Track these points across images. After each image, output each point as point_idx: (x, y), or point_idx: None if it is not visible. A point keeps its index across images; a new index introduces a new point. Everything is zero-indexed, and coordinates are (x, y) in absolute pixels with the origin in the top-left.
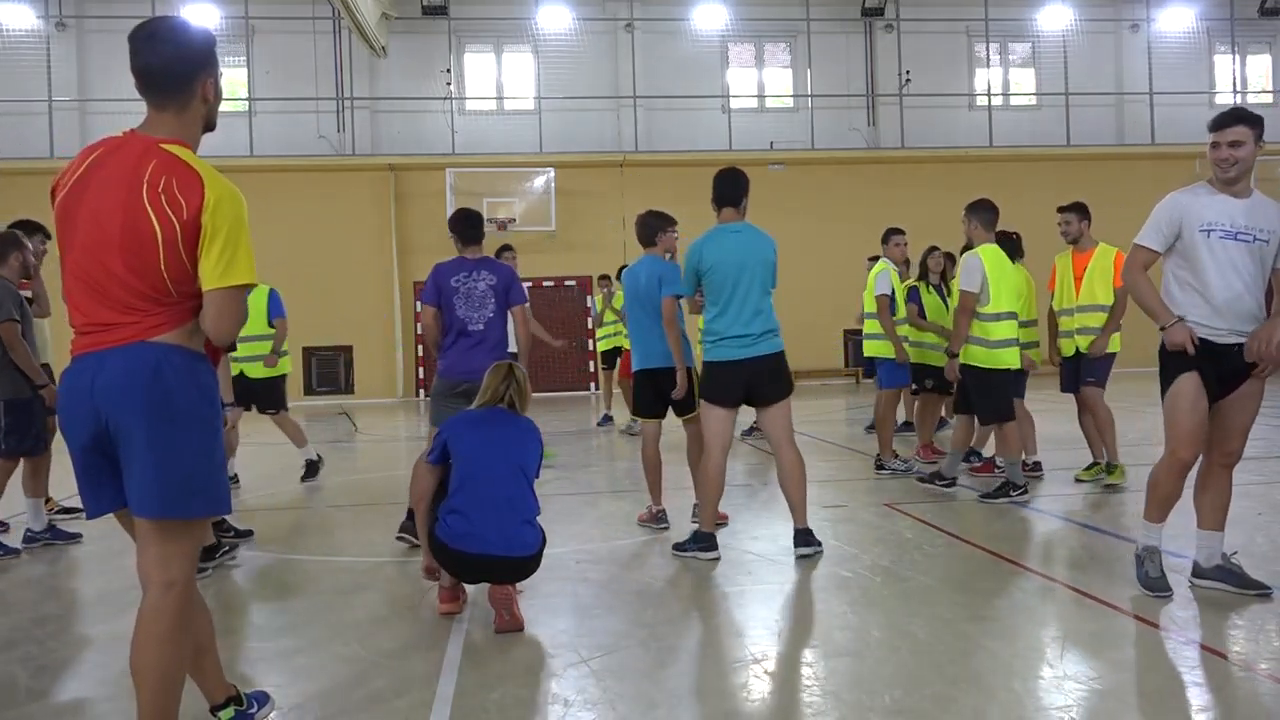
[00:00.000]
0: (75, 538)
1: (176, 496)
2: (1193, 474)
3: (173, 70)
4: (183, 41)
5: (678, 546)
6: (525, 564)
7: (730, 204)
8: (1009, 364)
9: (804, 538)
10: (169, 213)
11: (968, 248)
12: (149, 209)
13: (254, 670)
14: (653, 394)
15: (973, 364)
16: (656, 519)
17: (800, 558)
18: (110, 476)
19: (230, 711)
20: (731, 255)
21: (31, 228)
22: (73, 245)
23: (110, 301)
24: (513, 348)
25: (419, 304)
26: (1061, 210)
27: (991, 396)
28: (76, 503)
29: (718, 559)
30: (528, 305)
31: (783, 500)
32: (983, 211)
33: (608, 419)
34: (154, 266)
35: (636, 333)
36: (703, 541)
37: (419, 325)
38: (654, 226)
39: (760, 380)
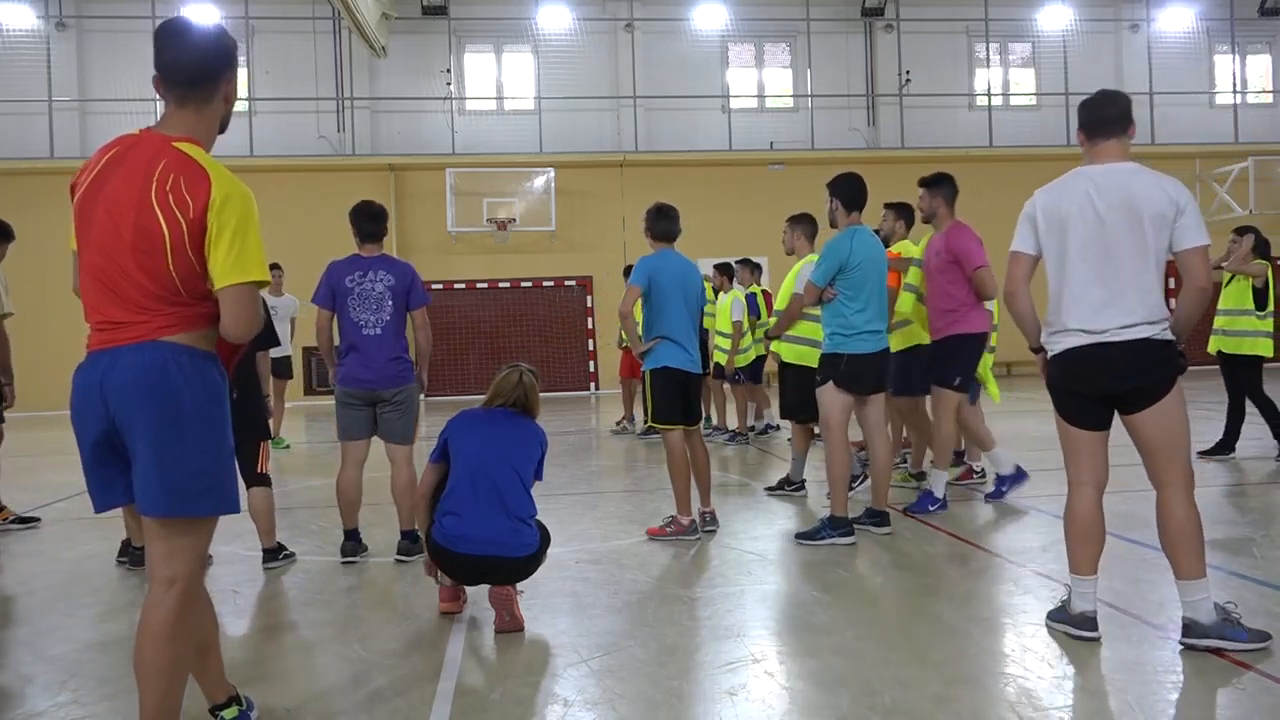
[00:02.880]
0: None
1: (182, 495)
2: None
3: (200, 67)
4: (211, 40)
5: (805, 536)
6: (522, 565)
7: (859, 208)
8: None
9: (883, 518)
10: (175, 212)
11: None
12: (157, 209)
13: (255, 670)
14: (685, 399)
15: (805, 364)
16: (689, 530)
17: (884, 535)
18: (120, 472)
19: (234, 711)
20: (875, 254)
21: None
22: (89, 243)
23: (123, 300)
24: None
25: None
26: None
27: (796, 393)
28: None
29: (854, 543)
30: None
31: (780, 502)
32: (806, 224)
33: (770, 428)
34: (163, 267)
35: (685, 332)
36: (841, 527)
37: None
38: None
39: (883, 371)
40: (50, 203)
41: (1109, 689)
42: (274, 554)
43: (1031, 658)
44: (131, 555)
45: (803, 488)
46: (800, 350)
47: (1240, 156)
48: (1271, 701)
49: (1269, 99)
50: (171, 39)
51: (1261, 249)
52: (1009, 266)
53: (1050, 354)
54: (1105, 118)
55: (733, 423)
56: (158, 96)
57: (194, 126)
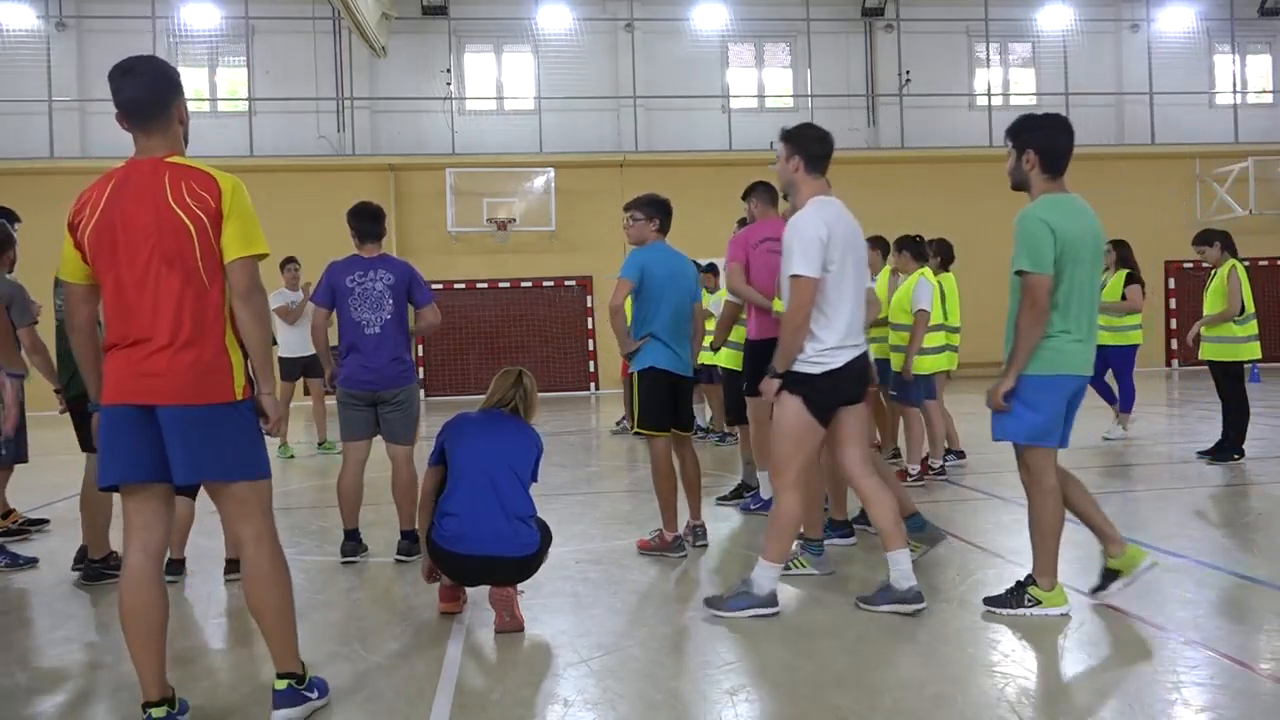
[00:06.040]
0: (32, 562)
1: (230, 462)
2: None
3: (152, 98)
4: (156, 71)
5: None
6: (523, 564)
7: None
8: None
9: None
10: (196, 210)
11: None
12: (178, 211)
13: (254, 669)
14: (673, 404)
15: (732, 368)
16: (673, 546)
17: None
18: (151, 446)
19: (163, 711)
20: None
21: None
22: (115, 263)
23: (156, 306)
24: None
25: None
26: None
27: (732, 397)
28: (36, 515)
29: (855, 543)
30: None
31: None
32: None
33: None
34: (192, 264)
35: (675, 332)
36: (841, 529)
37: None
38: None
39: (864, 374)
40: (50, 202)
41: (1109, 689)
42: (237, 565)
43: (1031, 657)
44: (87, 569)
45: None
46: (734, 354)
47: (1240, 156)
48: (1271, 701)
49: (1269, 99)
50: (122, 80)
51: (1224, 247)
52: (806, 291)
53: (828, 368)
54: (829, 153)
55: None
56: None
57: (169, 145)
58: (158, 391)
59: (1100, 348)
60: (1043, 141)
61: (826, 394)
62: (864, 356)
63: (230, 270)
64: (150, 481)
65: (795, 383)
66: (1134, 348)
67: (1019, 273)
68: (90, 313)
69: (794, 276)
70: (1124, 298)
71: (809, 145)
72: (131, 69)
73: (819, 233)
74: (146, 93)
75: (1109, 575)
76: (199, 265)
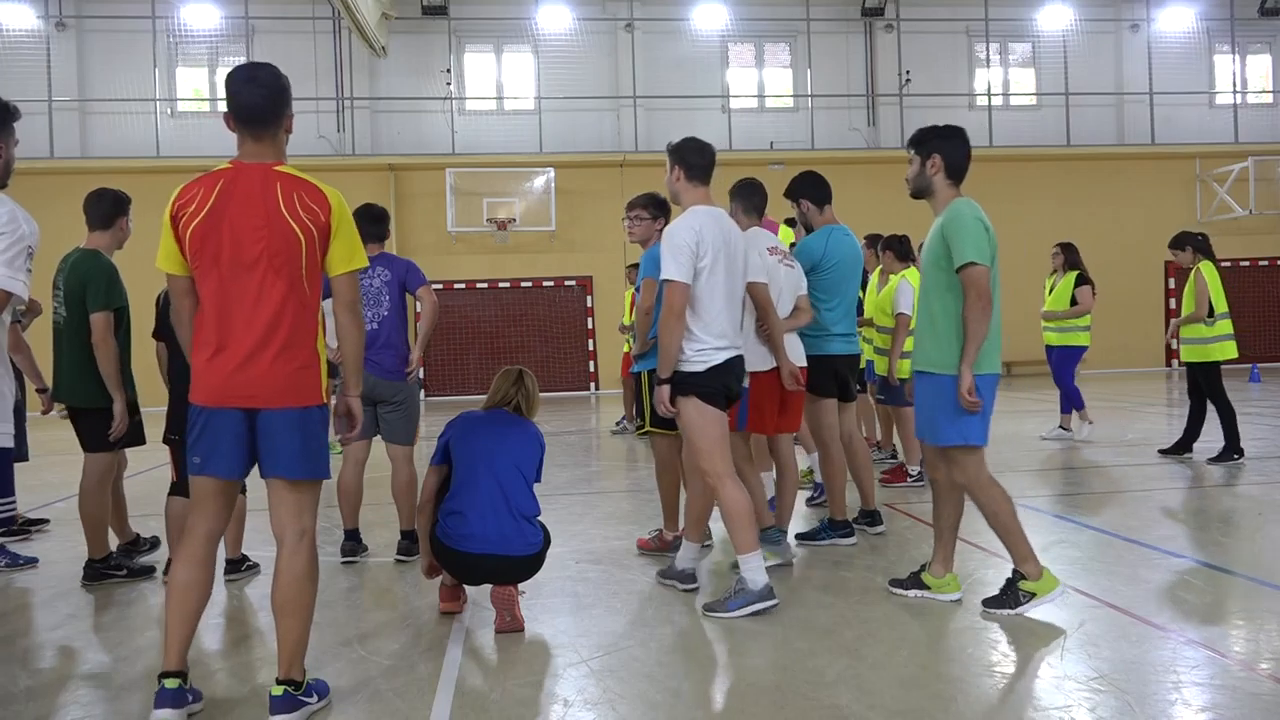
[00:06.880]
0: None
1: (314, 461)
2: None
3: (270, 107)
4: (274, 82)
5: (806, 536)
6: (528, 563)
7: (829, 201)
8: None
9: (875, 518)
10: (307, 222)
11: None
12: (290, 221)
13: (255, 669)
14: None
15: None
16: (674, 546)
17: (878, 534)
18: (250, 449)
19: (175, 683)
20: (850, 255)
21: None
22: (217, 264)
23: (257, 310)
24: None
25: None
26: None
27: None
28: (36, 515)
29: (855, 543)
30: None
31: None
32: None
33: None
34: (298, 272)
35: None
36: (841, 528)
37: (418, 324)
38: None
39: (851, 375)
40: (50, 203)
41: (1109, 688)
42: (238, 565)
43: (1032, 657)
44: (88, 569)
45: None
46: None
47: (1240, 156)
48: (1271, 701)
49: (1269, 99)
50: (242, 85)
51: (1196, 250)
52: (676, 295)
53: (711, 364)
54: (709, 163)
55: None
56: (230, 130)
57: (276, 153)
58: (260, 396)
59: (1047, 347)
60: (946, 148)
61: (715, 386)
62: (740, 359)
63: (337, 284)
64: (234, 478)
65: (684, 384)
66: (1080, 349)
67: (964, 266)
68: (193, 305)
69: (666, 281)
70: (1074, 300)
71: (688, 156)
72: (254, 78)
73: (687, 239)
74: (267, 102)
75: (917, 580)
76: (303, 274)
